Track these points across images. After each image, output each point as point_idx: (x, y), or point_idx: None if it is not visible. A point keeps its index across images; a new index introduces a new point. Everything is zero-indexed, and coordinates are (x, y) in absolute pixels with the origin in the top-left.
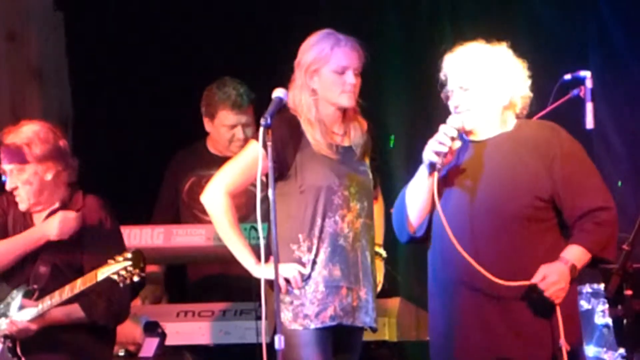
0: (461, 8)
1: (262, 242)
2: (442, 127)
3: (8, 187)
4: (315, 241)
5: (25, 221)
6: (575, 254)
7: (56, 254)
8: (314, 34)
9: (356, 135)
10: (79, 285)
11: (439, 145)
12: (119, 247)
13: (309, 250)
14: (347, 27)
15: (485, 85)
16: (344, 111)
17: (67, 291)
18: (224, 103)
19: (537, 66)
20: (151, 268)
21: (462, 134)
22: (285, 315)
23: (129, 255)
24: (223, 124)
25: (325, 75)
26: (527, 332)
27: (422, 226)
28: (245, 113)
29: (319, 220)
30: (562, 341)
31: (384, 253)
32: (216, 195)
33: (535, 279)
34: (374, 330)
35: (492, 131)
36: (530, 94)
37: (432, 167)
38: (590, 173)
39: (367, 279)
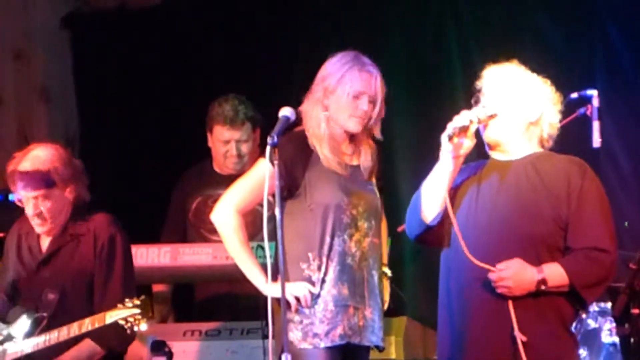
0: (467, 26)
1: (268, 261)
2: (464, 111)
3: (32, 213)
4: (324, 260)
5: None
6: (553, 271)
7: (65, 274)
8: (340, 52)
9: (366, 157)
10: (87, 324)
11: (456, 120)
12: (128, 264)
13: (319, 269)
14: (352, 45)
15: (518, 95)
16: (353, 134)
17: (75, 328)
18: (219, 118)
19: None
20: (158, 287)
21: (488, 151)
22: (295, 335)
23: (138, 302)
24: (218, 139)
25: (339, 95)
26: (535, 340)
27: (438, 216)
28: (239, 130)
29: (328, 239)
30: (517, 333)
31: (389, 272)
32: (226, 214)
33: (497, 276)
34: (380, 349)
35: (516, 151)
36: (559, 126)
37: (449, 139)
38: (603, 215)
39: (373, 299)
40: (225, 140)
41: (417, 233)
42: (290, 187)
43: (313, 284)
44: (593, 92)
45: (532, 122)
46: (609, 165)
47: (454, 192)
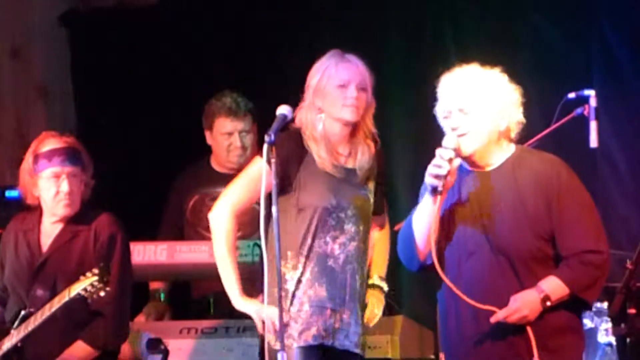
0: (465, 29)
1: (265, 260)
2: (438, 151)
3: (66, 189)
4: (302, 259)
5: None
6: (552, 285)
7: (60, 271)
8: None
9: (363, 158)
10: (56, 302)
11: (437, 168)
12: (126, 263)
13: (294, 267)
14: (351, 48)
15: (484, 110)
16: (352, 131)
17: (47, 309)
18: (220, 111)
19: (541, 85)
20: (155, 285)
21: (462, 164)
22: (270, 335)
23: (96, 270)
24: (220, 132)
25: (329, 91)
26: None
27: (431, 254)
28: (242, 120)
29: (309, 240)
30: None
31: (385, 286)
32: (222, 215)
33: (505, 311)
34: (360, 356)
35: (491, 160)
36: (524, 120)
37: (434, 191)
38: (587, 214)
39: (353, 303)
40: (228, 132)
41: (415, 269)
42: (283, 184)
43: (286, 281)
44: (590, 92)
45: (502, 131)
46: (606, 166)
47: (443, 220)
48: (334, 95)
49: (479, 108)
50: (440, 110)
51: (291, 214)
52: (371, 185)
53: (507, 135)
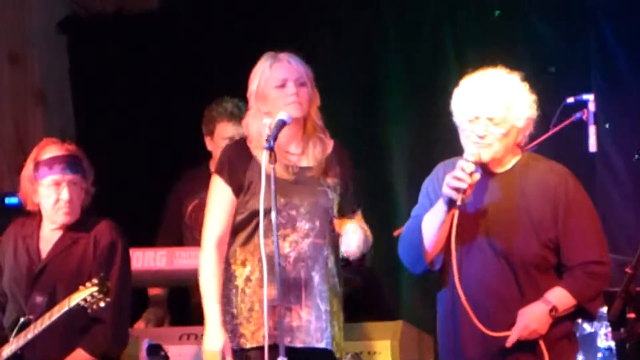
0: (463, 32)
1: (264, 260)
2: (460, 163)
3: (66, 198)
4: (249, 257)
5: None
6: (559, 296)
7: (59, 278)
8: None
9: (315, 150)
10: (56, 311)
11: (457, 181)
12: (126, 270)
13: (243, 264)
14: (349, 53)
15: (512, 124)
16: (303, 128)
17: (47, 318)
18: (221, 116)
19: (540, 90)
20: (154, 291)
21: (478, 167)
22: None
23: (96, 281)
24: (222, 136)
25: (268, 93)
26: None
27: (438, 259)
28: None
29: (256, 239)
30: None
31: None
32: (209, 259)
33: (516, 330)
34: (329, 352)
35: (500, 165)
36: (533, 131)
37: (451, 203)
38: (592, 226)
39: (312, 300)
40: (230, 137)
41: (419, 272)
42: (235, 189)
43: (236, 278)
44: (589, 97)
45: (518, 142)
46: (605, 170)
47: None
48: (274, 97)
49: (508, 121)
50: (464, 112)
51: (242, 216)
52: (332, 181)
53: (518, 143)
